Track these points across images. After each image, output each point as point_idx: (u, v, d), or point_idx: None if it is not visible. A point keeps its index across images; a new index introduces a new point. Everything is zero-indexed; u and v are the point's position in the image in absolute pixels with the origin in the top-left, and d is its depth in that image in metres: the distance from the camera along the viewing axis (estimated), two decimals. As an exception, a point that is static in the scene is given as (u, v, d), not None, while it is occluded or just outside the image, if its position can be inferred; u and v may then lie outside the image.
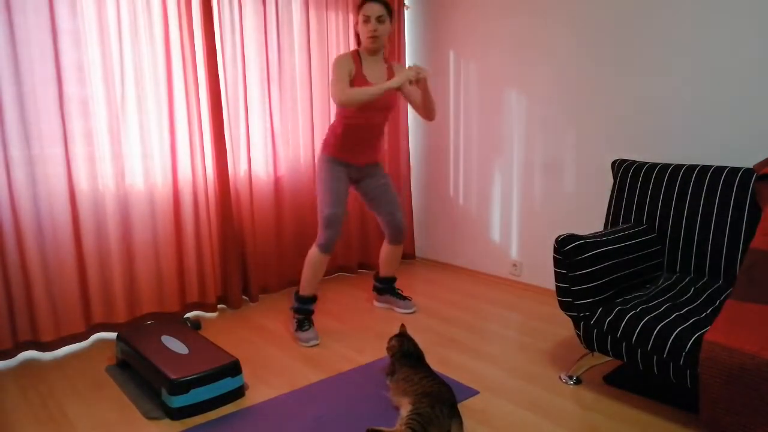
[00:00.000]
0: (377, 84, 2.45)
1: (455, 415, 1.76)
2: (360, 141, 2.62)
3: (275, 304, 3.13)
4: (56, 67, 2.40)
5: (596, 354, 2.08)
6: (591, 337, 1.99)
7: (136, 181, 2.71)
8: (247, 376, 2.26)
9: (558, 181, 3.11)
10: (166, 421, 1.94)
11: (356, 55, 2.56)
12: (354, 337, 2.65)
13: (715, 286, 2.10)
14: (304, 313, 2.63)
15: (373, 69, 2.58)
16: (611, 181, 2.87)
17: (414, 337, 2.45)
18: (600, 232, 2.24)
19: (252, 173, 3.13)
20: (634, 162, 2.51)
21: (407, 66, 2.46)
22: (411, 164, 3.95)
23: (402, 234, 2.83)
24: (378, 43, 2.52)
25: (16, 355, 2.45)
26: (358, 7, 2.51)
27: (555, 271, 2.06)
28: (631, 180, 2.47)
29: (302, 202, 3.36)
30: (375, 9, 2.48)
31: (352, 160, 2.64)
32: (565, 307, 2.06)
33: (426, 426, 1.67)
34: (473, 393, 2.08)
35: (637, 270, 2.20)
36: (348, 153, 2.62)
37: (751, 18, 2.30)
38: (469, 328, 2.74)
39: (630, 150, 2.78)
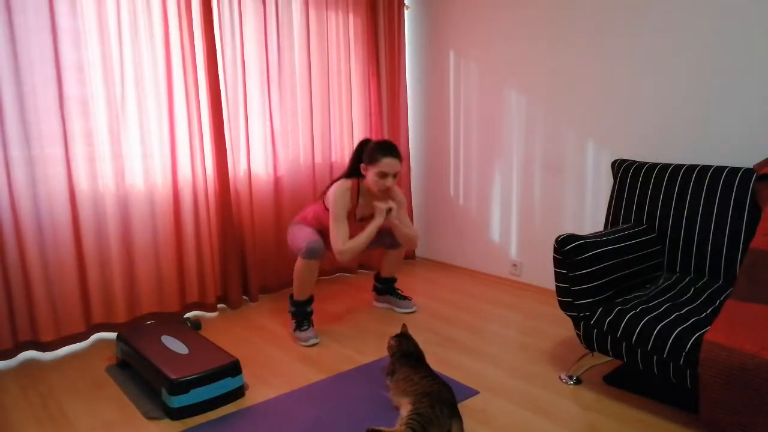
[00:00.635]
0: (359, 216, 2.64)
1: (455, 415, 1.76)
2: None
3: (275, 304, 3.13)
4: (56, 67, 2.40)
5: (596, 354, 2.08)
6: (591, 337, 1.99)
7: (136, 181, 2.71)
8: (247, 376, 2.26)
9: (558, 181, 3.11)
10: (166, 421, 1.94)
11: (356, 191, 2.61)
12: (354, 337, 2.65)
13: (715, 286, 2.10)
14: (302, 315, 2.63)
15: (363, 204, 2.66)
16: (611, 181, 2.87)
17: (414, 337, 2.45)
18: (600, 232, 2.24)
19: (252, 173, 3.13)
20: (634, 162, 2.51)
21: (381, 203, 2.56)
22: (411, 164, 3.95)
23: (398, 242, 2.82)
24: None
25: (16, 355, 2.45)
26: (374, 159, 2.48)
27: (555, 271, 2.06)
28: (631, 180, 2.47)
29: (302, 202, 3.36)
30: (395, 167, 2.49)
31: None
32: (565, 307, 2.06)
33: (426, 426, 1.67)
34: (473, 393, 2.08)
35: (637, 270, 2.20)
36: None
37: (751, 18, 2.30)
38: (469, 328, 2.74)
39: (630, 150, 2.78)
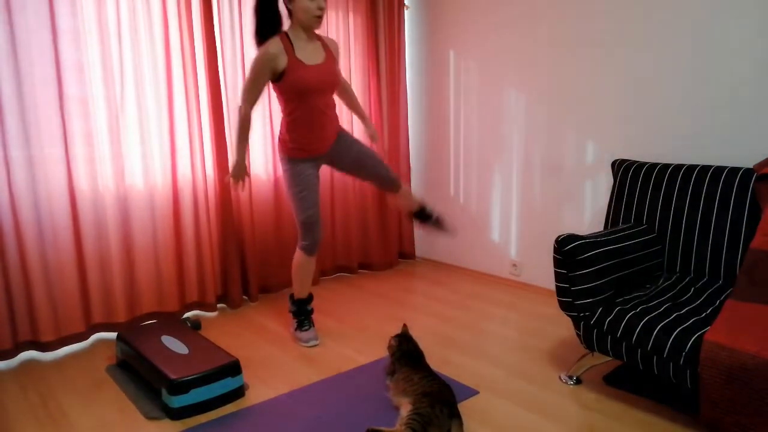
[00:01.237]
0: (311, 62, 2.34)
1: (455, 415, 1.76)
2: (313, 129, 2.42)
3: (275, 304, 3.13)
4: (56, 67, 2.40)
5: (596, 354, 2.08)
6: (591, 337, 1.99)
7: (136, 181, 2.71)
8: (247, 376, 2.26)
9: (558, 181, 3.11)
10: (166, 421, 1.94)
11: (286, 39, 2.32)
12: (354, 337, 2.65)
13: (715, 286, 2.10)
14: (303, 314, 2.63)
15: (307, 49, 2.36)
16: (611, 181, 2.87)
17: (414, 337, 2.45)
18: (600, 232, 2.24)
19: (251, 173, 3.13)
20: (634, 162, 2.51)
21: None
22: (411, 164, 3.95)
23: (397, 182, 2.68)
24: (322, 20, 2.34)
25: (16, 355, 2.45)
26: None
27: (555, 271, 2.06)
28: (631, 180, 2.46)
29: (302, 202, 3.36)
30: None
31: (314, 152, 2.46)
32: (565, 307, 2.06)
33: (426, 426, 1.67)
34: (473, 393, 2.08)
35: (637, 270, 2.20)
36: (307, 146, 2.44)
37: (751, 18, 2.30)
38: (469, 328, 2.74)
39: (630, 150, 2.78)
